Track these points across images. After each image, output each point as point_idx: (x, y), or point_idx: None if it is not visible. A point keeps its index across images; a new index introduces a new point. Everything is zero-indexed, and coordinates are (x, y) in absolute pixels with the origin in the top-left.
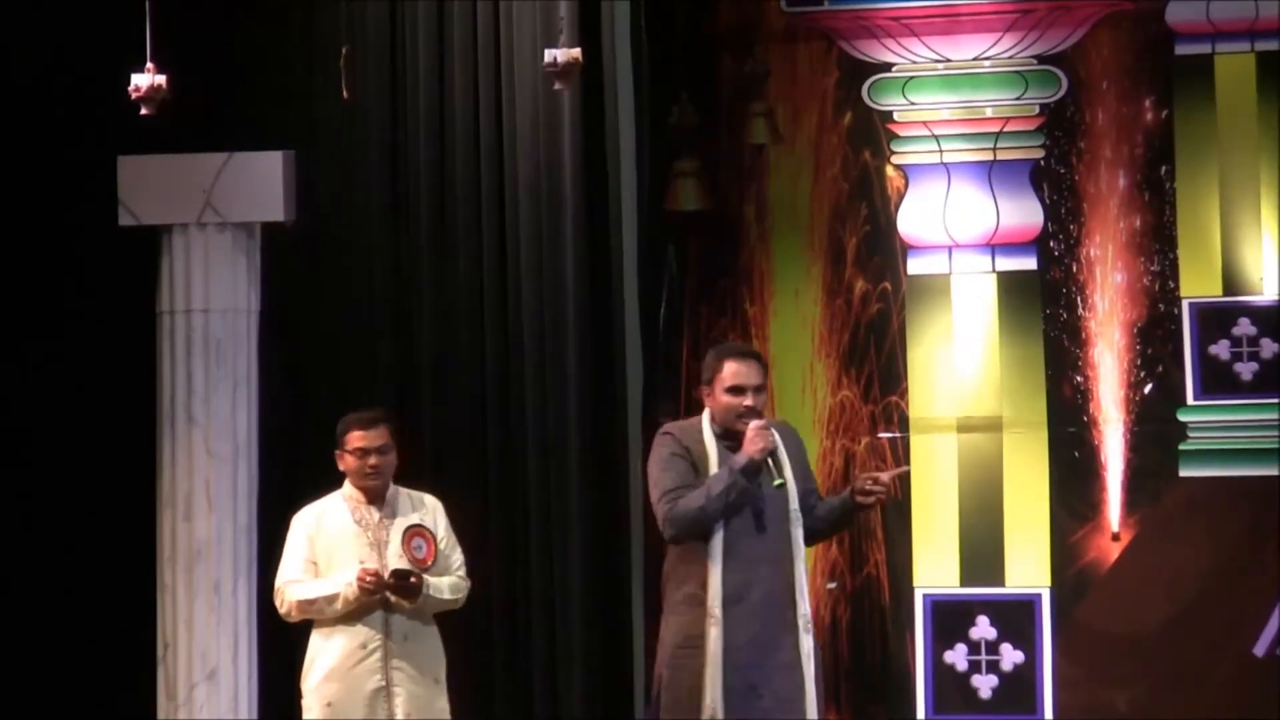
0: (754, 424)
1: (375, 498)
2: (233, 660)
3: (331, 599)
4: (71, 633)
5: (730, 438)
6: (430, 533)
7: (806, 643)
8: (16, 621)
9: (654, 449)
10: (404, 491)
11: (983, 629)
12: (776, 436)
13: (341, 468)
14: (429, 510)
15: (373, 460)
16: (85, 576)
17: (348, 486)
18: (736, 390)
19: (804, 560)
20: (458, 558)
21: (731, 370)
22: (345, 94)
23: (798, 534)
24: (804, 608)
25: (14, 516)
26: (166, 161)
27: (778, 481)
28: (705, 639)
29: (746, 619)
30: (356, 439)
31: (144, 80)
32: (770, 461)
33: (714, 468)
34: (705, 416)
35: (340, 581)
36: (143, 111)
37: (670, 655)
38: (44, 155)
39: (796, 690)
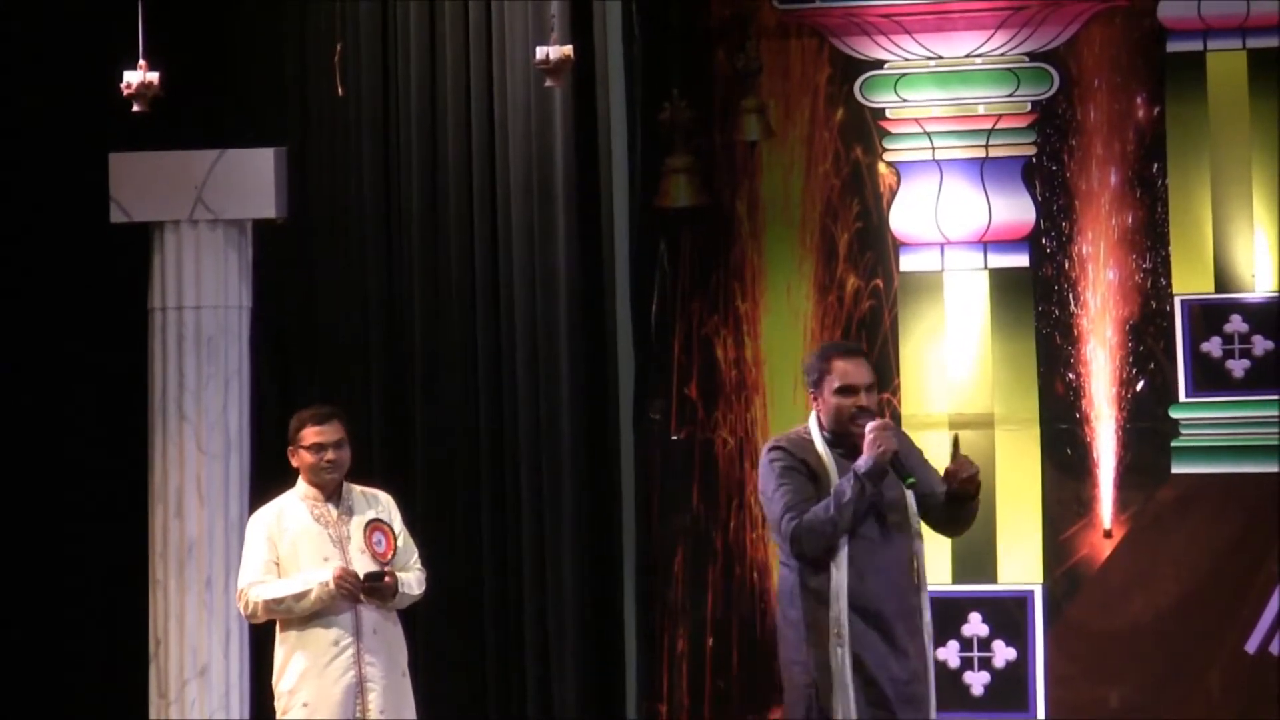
0: (872, 425)
1: (331, 494)
2: (224, 656)
3: (300, 596)
4: (63, 629)
5: (842, 444)
6: (389, 527)
7: (929, 650)
8: (8, 617)
9: (763, 466)
10: (357, 488)
11: (975, 626)
12: (895, 436)
13: (296, 464)
14: (384, 506)
15: (329, 455)
16: (77, 573)
17: (303, 485)
18: (848, 390)
19: (924, 565)
20: (414, 551)
21: (841, 369)
22: (340, 90)
23: (919, 543)
24: (928, 616)
25: (6, 512)
26: (158, 158)
27: (910, 480)
28: (830, 657)
29: (876, 633)
30: (311, 435)
31: (136, 77)
32: (895, 463)
33: (835, 477)
34: (813, 423)
35: (310, 579)
36: (134, 108)
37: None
38: (36, 152)
39: (921, 699)
